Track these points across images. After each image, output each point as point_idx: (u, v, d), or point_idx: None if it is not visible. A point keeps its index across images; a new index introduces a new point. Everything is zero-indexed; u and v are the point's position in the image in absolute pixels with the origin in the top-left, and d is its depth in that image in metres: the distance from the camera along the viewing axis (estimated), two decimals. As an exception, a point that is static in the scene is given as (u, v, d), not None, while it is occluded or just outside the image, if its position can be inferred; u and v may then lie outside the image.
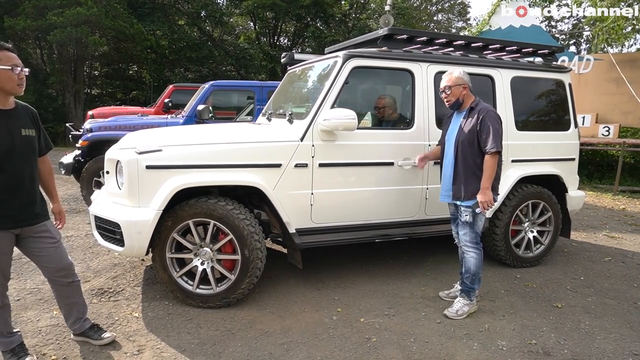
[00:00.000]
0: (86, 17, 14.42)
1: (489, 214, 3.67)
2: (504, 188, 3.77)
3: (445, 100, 3.10)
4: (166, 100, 8.75)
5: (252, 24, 23.67)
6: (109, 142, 5.46)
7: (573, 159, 4.25)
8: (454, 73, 3.05)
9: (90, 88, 20.09)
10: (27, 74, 2.23)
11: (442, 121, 3.64)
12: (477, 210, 2.98)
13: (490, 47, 4.04)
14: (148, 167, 2.88)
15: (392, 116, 3.72)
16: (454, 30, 30.70)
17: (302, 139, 3.21)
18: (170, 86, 10.31)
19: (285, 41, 24.03)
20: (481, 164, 2.97)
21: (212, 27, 22.22)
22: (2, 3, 15.66)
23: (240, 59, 20.77)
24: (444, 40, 3.84)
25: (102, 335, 2.61)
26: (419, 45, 3.78)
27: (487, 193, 2.92)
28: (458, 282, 3.40)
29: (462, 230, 3.10)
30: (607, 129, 9.34)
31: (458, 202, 3.07)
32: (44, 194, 2.45)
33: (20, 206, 2.25)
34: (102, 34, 15.86)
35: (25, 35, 15.71)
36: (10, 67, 2.12)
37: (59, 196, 2.61)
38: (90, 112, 9.27)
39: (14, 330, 2.41)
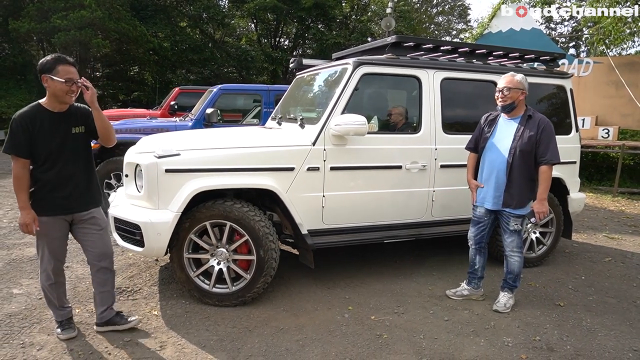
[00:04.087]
0: (90, 20, 14.56)
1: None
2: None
3: (500, 100, 3.10)
4: (172, 102, 8.90)
5: (253, 25, 23.84)
6: (120, 145, 5.60)
7: (574, 162, 4.38)
8: (516, 76, 3.09)
9: (93, 89, 20.17)
10: (80, 85, 2.48)
11: (449, 126, 3.78)
12: (533, 220, 3.08)
13: (493, 53, 4.17)
14: (167, 170, 3.00)
15: (402, 123, 3.84)
16: (454, 32, 30.88)
17: (314, 144, 3.33)
18: (176, 89, 10.44)
19: (287, 43, 24.18)
20: (535, 174, 3.06)
21: (213, 29, 22.37)
22: (6, 6, 15.79)
23: (241, 60, 20.94)
24: (450, 47, 3.97)
25: (129, 319, 2.85)
26: (423, 52, 3.91)
27: (545, 203, 3.03)
28: (465, 281, 3.52)
29: (510, 237, 3.20)
30: (606, 131, 9.49)
31: (507, 210, 3.14)
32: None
33: (70, 196, 2.58)
34: (105, 36, 15.98)
35: (28, 37, 15.84)
36: (63, 81, 2.42)
37: None
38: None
39: (66, 305, 2.78)
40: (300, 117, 3.62)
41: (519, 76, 3.11)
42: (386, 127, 3.87)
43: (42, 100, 2.54)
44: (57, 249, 2.63)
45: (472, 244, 3.41)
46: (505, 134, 3.16)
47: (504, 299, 3.30)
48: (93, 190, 2.72)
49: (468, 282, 3.49)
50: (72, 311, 2.88)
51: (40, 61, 2.48)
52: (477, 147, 3.34)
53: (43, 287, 2.69)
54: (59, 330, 2.73)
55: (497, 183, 3.17)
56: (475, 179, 3.37)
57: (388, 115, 3.89)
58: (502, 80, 3.13)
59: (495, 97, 3.17)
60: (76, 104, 2.65)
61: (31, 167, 2.51)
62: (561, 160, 4.20)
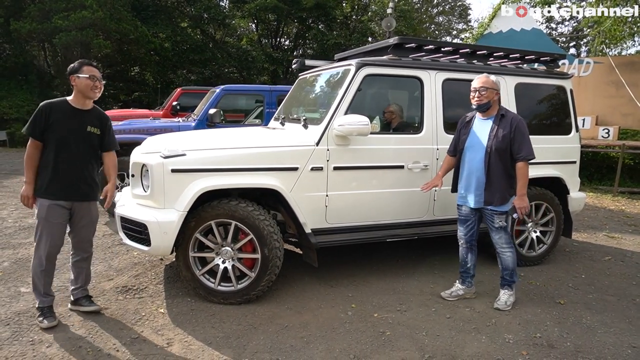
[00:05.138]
0: (91, 20, 14.59)
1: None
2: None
3: (476, 100, 3.17)
4: (174, 103, 8.95)
5: (254, 26, 23.88)
6: (124, 145, 5.65)
7: (574, 162, 4.43)
8: (490, 77, 3.18)
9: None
10: (103, 83, 2.91)
11: (450, 126, 3.82)
12: (515, 215, 3.14)
13: (494, 54, 4.21)
14: (173, 170, 3.05)
15: (400, 122, 3.88)
16: (454, 32, 30.92)
17: (317, 144, 3.38)
18: (178, 89, 10.49)
19: (287, 43, 24.22)
20: (513, 170, 3.13)
21: (214, 29, 22.41)
22: (7, 6, 15.82)
23: (242, 60, 20.96)
24: (451, 48, 4.01)
25: (92, 304, 3.10)
26: (425, 53, 3.95)
27: (524, 199, 3.10)
28: (458, 281, 3.55)
29: (497, 234, 3.26)
30: (606, 131, 9.53)
31: (490, 207, 3.20)
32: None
33: (71, 183, 2.84)
34: (106, 37, 16.02)
35: (30, 38, 15.87)
36: (88, 76, 2.81)
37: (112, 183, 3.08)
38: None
39: (50, 293, 2.93)
40: (304, 118, 3.66)
41: (494, 77, 3.21)
42: (387, 126, 3.92)
43: (69, 97, 2.90)
44: (55, 234, 2.82)
45: (462, 242, 3.45)
46: (480, 133, 3.24)
47: (505, 296, 3.34)
48: (93, 186, 2.99)
49: (462, 281, 3.52)
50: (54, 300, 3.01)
51: (69, 67, 2.87)
52: (455, 150, 3.41)
53: (34, 272, 2.86)
54: (41, 318, 2.85)
55: (477, 182, 3.24)
56: (457, 179, 3.43)
57: (383, 114, 3.94)
58: (477, 81, 3.20)
59: (471, 97, 3.24)
60: (99, 109, 3.02)
61: (43, 151, 2.81)
62: (561, 160, 4.32)
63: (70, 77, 2.85)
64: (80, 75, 2.81)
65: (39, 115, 2.76)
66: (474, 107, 3.25)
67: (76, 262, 3.06)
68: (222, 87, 6.54)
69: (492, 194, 3.17)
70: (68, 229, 2.97)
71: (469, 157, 3.28)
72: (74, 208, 2.90)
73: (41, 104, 2.81)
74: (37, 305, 2.90)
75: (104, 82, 2.95)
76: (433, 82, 3.77)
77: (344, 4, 22.34)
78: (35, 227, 2.85)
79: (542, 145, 4.20)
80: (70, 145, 2.81)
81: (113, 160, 3.10)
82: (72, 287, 3.11)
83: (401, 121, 3.89)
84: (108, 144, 3.05)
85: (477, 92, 3.17)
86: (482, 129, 3.24)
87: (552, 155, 4.27)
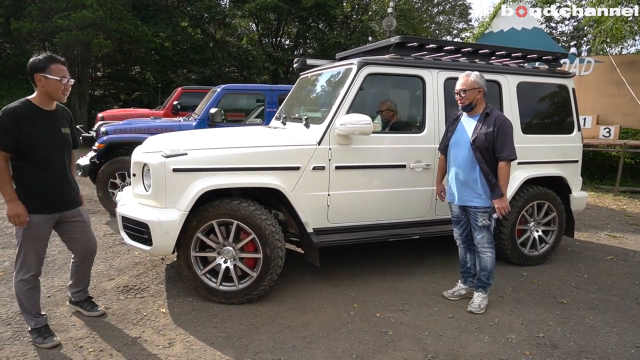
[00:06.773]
0: (91, 20, 14.57)
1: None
2: (511, 189, 3.94)
3: (459, 102, 3.19)
4: (175, 102, 8.94)
5: (254, 25, 23.85)
6: (125, 144, 5.65)
7: (576, 161, 4.41)
8: (470, 77, 3.15)
9: (94, 89, 20.22)
10: (72, 83, 2.58)
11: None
12: (494, 215, 3.13)
13: (496, 53, 4.20)
14: (175, 170, 3.04)
15: (398, 118, 3.87)
16: (455, 32, 30.89)
17: (319, 143, 3.37)
18: (179, 89, 10.48)
19: (288, 42, 24.19)
20: (494, 169, 3.11)
21: (215, 29, 22.39)
22: (8, 6, 15.80)
23: (243, 60, 20.93)
24: (453, 47, 4.00)
25: (95, 309, 3.04)
26: (427, 52, 3.94)
27: (504, 199, 3.08)
28: (460, 281, 3.54)
29: (480, 234, 3.22)
30: (607, 130, 9.51)
31: (473, 206, 3.18)
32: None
33: (62, 194, 2.65)
34: (106, 36, 16.01)
35: (30, 37, 15.85)
36: (59, 78, 2.50)
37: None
38: (100, 115, 9.42)
39: (42, 312, 2.75)
40: (305, 117, 3.65)
41: (473, 76, 3.16)
42: (385, 124, 3.91)
43: (31, 97, 2.53)
44: (42, 250, 2.62)
45: (459, 243, 3.44)
46: (465, 131, 3.22)
47: (478, 299, 3.29)
48: (77, 190, 2.82)
49: (464, 281, 3.51)
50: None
51: (31, 60, 2.48)
52: (446, 149, 3.40)
53: (19, 293, 2.61)
54: (39, 339, 2.62)
55: (461, 179, 3.22)
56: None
57: (379, 112, 3.92)
58: (458, 82, 3.19)
59: (456, 99, 3.23)
60: (61, 105, 2.71)
61: (20, 164, 2.49)
62: (563, 159, 4.31)
63: (35, 76, 2.46)
64: (48, 75, 2.45)
65: (7, 122, 2.37)
66: (460, 108, 3.26)
67: (78, 267, 2.95)
68: (223, 86, 6.52)
69: (479, 190, 3.15)
70: (69, 241, 2.83)
71: (453, 154, 3.28)
72: (62, 218, 2.69)
73: (5, 110, 2.39)
74: (31, 327, 2.65)
75: (72, 82, 2.59)
76: (435, 81, 3.76)
77: (344, 4, 22.30)
78: (18, 244, 2.55)
79: (545, 144, 4.21)
80: (51, 153, 2.53)
81: (74, 159, 2.91)
82: (73, 290, 3.03)
83: (398, 117, 3.88)
84: (76, 142, 2.82)
85: (458, 95, 3.17)
86: (467, 126, 3.23)
87: (555, 154, 4.26)
